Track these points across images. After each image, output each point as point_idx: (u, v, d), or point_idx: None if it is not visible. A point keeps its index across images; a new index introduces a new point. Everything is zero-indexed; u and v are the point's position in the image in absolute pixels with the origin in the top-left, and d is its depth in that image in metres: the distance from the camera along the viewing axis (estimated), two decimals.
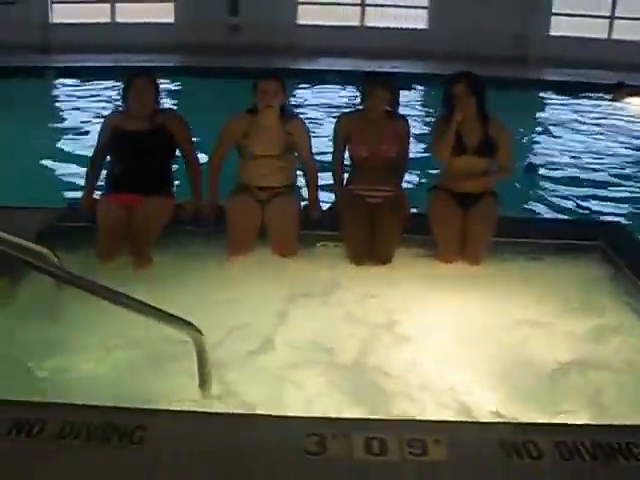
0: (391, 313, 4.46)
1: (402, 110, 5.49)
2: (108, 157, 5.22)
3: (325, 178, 5.54)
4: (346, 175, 5.51)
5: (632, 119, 11.92)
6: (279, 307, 4.46)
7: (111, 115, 5.47)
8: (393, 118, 5.34)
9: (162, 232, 4.98)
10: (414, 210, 5.42)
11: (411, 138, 5.51)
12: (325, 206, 5.46)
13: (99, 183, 5.30)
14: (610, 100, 12.96)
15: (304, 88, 12.71)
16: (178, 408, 3.23)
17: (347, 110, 5.61)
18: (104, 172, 5.25)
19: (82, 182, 5.32)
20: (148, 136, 5.05)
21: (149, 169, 5.09)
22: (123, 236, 4.91)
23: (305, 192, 5.48)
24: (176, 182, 5.36)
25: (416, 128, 8.75)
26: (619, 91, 13.04)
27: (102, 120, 5.40)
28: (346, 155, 5.47)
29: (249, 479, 2.72)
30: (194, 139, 5.33)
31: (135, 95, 5.07)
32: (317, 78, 13.13)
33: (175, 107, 11.54)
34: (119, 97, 5.45)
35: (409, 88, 12.94)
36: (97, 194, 5.23)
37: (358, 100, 5.44)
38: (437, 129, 5.26)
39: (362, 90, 5.34)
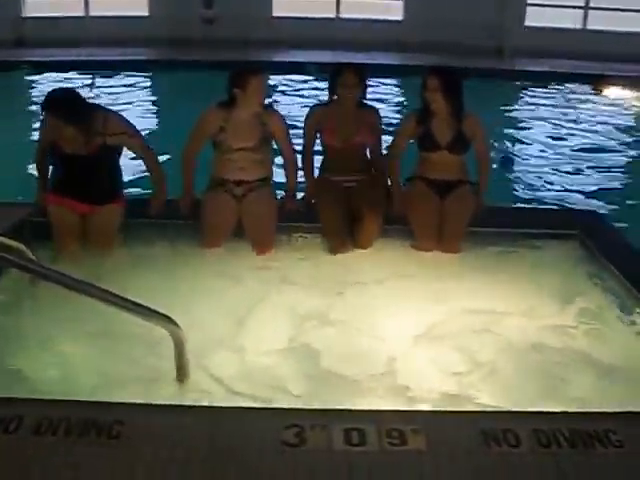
0: (368, 303, 4.48)
1: (378, 102, 5.51)
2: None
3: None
4: (317, 164, 5.53)
5: (609, 109, 11.97)
6: (257, 299, 4.46)
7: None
8: (364, 109, 5.37)
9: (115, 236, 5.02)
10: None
11: (382, 127, 5.55)
12: (299, 196, 5.46)
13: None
14: (591, 91, 13.01)
15: (280, 80, 12.68)
16: (156, 402, 3.21)
17: (318, 103, 5.57)
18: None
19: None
20: (89, 159, 4.88)
21: (96, 180, 4.97)
22: (79, 235, 4.95)
23: (280, 185, 5.47)
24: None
25: (391, 119, 8.76)
26: (600, 82, 13.10)
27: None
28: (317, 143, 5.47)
29: (228, 472, 2.71)
30: (141, 135, 5.23)
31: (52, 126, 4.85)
32: (293, 70, 13.09)
33: (150, 100, 11.57)
34: (91, 91, 5.23)
35: (385, 79, 12.95)
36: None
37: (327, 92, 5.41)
38: (404, 127, 5.36)
39: (331, 80, 5.31)
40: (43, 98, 4.87)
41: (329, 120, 5.30)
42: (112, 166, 5.07)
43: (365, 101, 5.42)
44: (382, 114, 5.58)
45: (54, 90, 4.96)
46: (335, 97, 5.31)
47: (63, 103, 4.81)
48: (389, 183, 5.38)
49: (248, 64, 5.33)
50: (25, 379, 3.54)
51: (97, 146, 4.85)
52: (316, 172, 5.52)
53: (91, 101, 5.24)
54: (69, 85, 10.48)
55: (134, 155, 5.31)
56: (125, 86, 12.16)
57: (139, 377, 3.60)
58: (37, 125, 9.01)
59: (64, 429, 2.85)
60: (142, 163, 5.25)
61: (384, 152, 5.50)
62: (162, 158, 5.42)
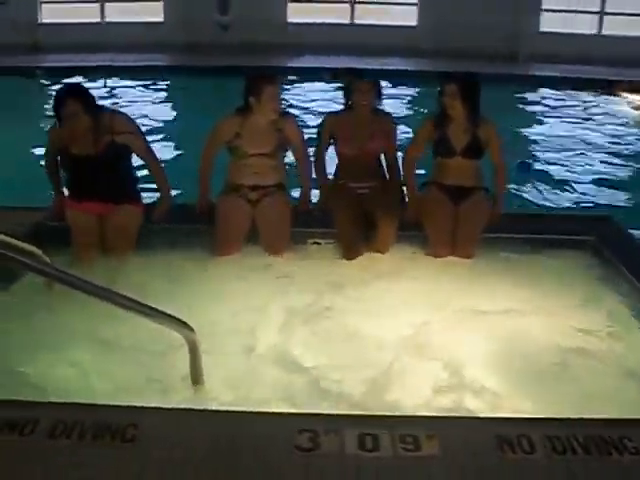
0: (383, 309, 4.47)
1: (393, 107, 5.51)
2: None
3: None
4: (331, 170, 5.54)
5: (625, 114, 11.92)
6: (271, 304, 4.46)
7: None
8: (378, 115, 5.39)
9: (135, 239, 5.03)
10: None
11: (397, 133, 5.57)
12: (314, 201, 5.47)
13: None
14: (607, 96, 12.96)
15: (295, 86, 12.70)
16: (170, 406, 3.23)
17: (333, 110, 5.56)
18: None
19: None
20: (99, 159, 4.89)
21: (110, 180, 4.99)
22: (98, 241, 4.96)
23: (295, 191, 5.49)
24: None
25: (405, 126, 8.76)
26: (615, 87, 13.06)
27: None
28: (331, 150, 5.48)
29: (241, 477, 2.71)
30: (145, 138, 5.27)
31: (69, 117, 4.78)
32: (308, 75, 13.12)
33: (166, 106, 11.61)
34: (109, 97, 5.22)
35: (399, 85, 12.95)
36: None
37: (342, 99, 5.44)
38: (421, 132, 5.34)
39: (346, 87, 5.34)
40: (55, 95, 4.88)
41: (344, 128, 5.30)
42: (123, 166, 5.08)
43: (380, 107, 5.42)
44: (397, 120, 5.58)
45: (67, 84, 5.00)
46: (350, 104, 5.31)
47: (81, 90, 4.91)
48: (404, 189, 5.38)
49: (263, 72, 5.31)
50: (40, 382, 3.55)
51: (106, 145, 4.87)
52: (329, 178, 5.51)
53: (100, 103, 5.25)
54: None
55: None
56: (140, 91, 12.22)
57: (154, 381, 3.61)
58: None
59: (78, 432, 2.86)
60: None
61: (399, 158, 5.49)
62: (178, 163, 5.42)
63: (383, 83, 5.41)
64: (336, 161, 5.52)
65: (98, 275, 4.36)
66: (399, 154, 5.53)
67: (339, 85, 5.38)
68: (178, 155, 8.12)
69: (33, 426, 2.88)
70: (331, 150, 5.51)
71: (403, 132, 8.22)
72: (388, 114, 5.55)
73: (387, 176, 5.47)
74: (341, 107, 5.48)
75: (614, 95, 12.97)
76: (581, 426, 3.03)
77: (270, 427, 2.98)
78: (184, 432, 2.93)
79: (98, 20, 15.48)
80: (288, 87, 12.30)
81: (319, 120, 5.54)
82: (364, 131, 5.26)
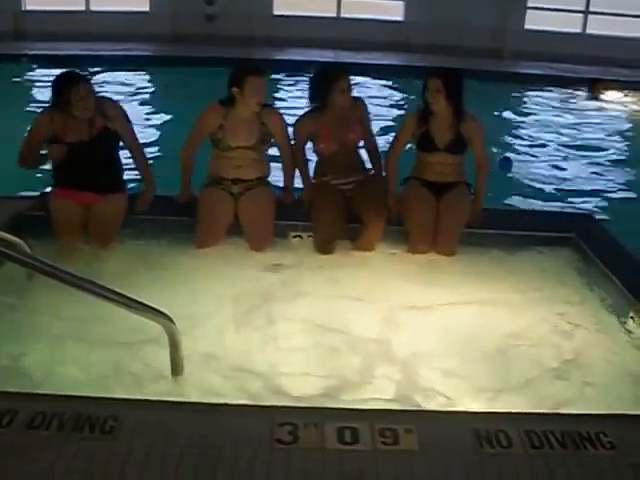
0: (363, 302, 4.50)
1: (378, 103, 5.50)
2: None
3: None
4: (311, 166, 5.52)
5: (606, 113, 12.00)
6: (252, 296, 4.48)
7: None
8: (351, 104, 5.31)
9: (119, 230, 5.01)
10: None
11: (370, 117, 5.53)
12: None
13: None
14: (589, 95, 13.04)
15: (281, 79, 12.68)
16: (150, 397, 3.23)
17: (307, 111, 5.41)
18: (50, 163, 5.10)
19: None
20: (93, 145, 4.90)
21: (99, 169, 4.99)
22: (81, 231, 4.92)
23: (277, 183, 5.48)
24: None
25: (390, 121, 8.78)
26: (597, 86, 13.13)
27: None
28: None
29: (221, 469, 2.71)
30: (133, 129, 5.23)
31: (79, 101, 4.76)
32: (294, 69, 13.09)
33: (150, 96, 11.56)
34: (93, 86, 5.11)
35: (385, 80, 12.96)
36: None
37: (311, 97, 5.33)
38: (405, 128, 5.32)
39: (324, 85, 5.17)
40: (62, 80, 4.83)
41: (323, 127, 5.22)
42: (113, 154, 5.08)
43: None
44: (382, 114, 5.57)
45: (67, 71, 4.96)
46: (324, 104, 5.20)
47: (83, 76, 4.93)
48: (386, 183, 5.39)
49: (248, 64, 5.23)
50: (18, 373, 3.55)
51: (99, 130, 4.88)
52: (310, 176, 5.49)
53: None
54: None
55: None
56: (124, 81, 12.16)
57: (133, 372, 3.61)
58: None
59: (57, 424, 2.86)
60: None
61: (377, 143, 5.52)
62: (161, 154, 5.41)
63: (368, 78, 5.38)
64: (315, 159, 5.48)
65: (80, 265, 4.37)
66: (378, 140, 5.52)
67: (315, 83, 5.22)
68: (161, 146, 8.09)
69: (11, 417, 2.88)
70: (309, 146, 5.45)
71: (387, 127, 8.26)
72: (359, 99, 5.44)
73: (370, 168, 5.46)
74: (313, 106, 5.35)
75: (597, 94, 13.04)
76: (558, 421, 3.07)
77: (250, 420, 2.99)
78: (164, 424, 2.93)
79: (83, 8, 15.36)
80: (273, 80, 12.29)
81: (302, 112, 5.47)
82: (342, 124, 5.22)
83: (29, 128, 5.02)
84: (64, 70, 4.92)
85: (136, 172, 5.30)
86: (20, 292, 4.28)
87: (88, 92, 4.80)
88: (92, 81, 5.03)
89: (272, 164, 5.41)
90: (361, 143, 5.45)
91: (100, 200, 4.93)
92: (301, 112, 5.42)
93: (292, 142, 5.32)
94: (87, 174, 4.93)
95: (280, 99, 10.90)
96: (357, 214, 5.13)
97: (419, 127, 5.18)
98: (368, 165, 5.50)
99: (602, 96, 12.98)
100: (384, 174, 5.39)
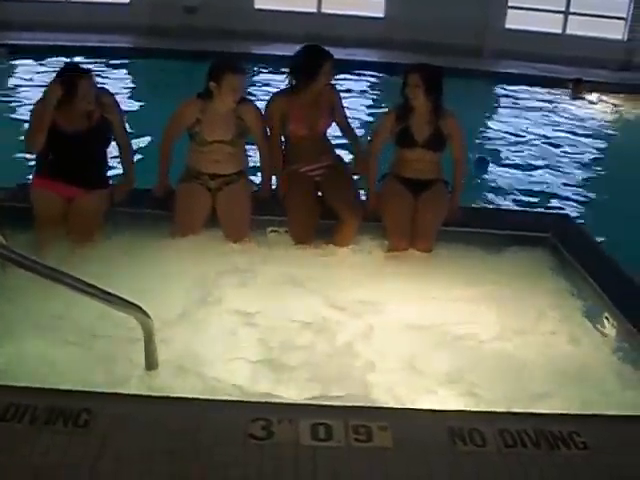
0: (338, 297, 4.51)
1: (357, 98, 5.49)
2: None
3: None
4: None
5: (584, 114, 12.08)
6: (228, 288, 4.48)
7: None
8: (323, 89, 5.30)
9: (101, 223, 4.99)
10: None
11: (343, 102, 5.51)
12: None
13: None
14: (570, 95, 13.12)
15: (261, 73, 12.65)
16: (124, 391, 3.21)
17: (279, 91, 5.43)
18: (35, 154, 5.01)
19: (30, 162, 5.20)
20: (89, 135, 4.87)
21: (89, 162, 4.97)
22: (62, 223, 4.88)
23: (254, 177, 5.47)
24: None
25: (369, 117, 8.79)
26: (578, 87, 13.22)
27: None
28: None
29: (194, 463, 2.70)
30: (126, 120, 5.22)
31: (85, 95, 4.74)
32: (274, 63, 13.06)
33: (128, 88, 11.49)
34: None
35: (365, 76, 12.97)
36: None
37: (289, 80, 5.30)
38: (383, 124, 5.32)
39: (310, 66, 5.16)
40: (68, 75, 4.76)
41: (295, 108, 5.20)
42: (105, 147, 5.06)
43: None
44: (361, 111, 5.56)
45: (67, 64, 5.02)
46: (302, 86, 5.18)
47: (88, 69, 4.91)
48: (356, 177, 5.44)
49: (229, 60, 5.18)
50: None
51: (97, 119, 4.87)
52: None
53: None
54: (46, 69, 10.48)
55: None
56: (103, 73, 12.07)
57: (107, 366, 3.59)
58: (13, 108, 8.95)
59: (30, 417, 2.84)
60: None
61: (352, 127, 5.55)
62: (138, 146, 5.38)
63: (347, 75, 5.37)
64: (283, 147, 5.43)
65: (57, 257, 4.33)
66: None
67: (300, 62, 5.17)
68: (138, 138, 8.05)
69: None
70: None
71: (366, 123, 8.27)
72: (331, 85, 5.42)
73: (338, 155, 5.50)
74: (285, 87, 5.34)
75: (575, 94, 13.13)
76: (532, 420, 3.08)
77: (224, 415, 2.99)
78: (138, 418, 2.92)
79: None
80: (253, 74, 12.28)
81: None
82: (313, 109, 5.21)
83: (34, 108, 4.89)
84: (69, 62, 4.88)
85: (117, 166, 5.25)
86: None
87: (91, 86, 4.79)
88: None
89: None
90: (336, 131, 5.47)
91: (83, 195, 4.89)
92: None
93: (268, 132, 5.27)
94: (76, 168, 4.88)
95: (259, 94, 10.86)
96: (331, 208, 5.14)
97: (398, 123, 5.17)
98: (337, 151, 5.55)
99: (583, 96, 13.06)
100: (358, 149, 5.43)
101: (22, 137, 5.05)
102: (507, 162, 8.91)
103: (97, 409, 2.91)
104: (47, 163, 4.93)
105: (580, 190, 8.08)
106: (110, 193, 5.07)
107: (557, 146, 9.88)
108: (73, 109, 4.78)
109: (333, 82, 5.46)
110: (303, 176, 5.28)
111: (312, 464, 2.72)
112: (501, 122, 11.21)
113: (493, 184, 7.92)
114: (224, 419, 2.94)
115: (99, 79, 11.12)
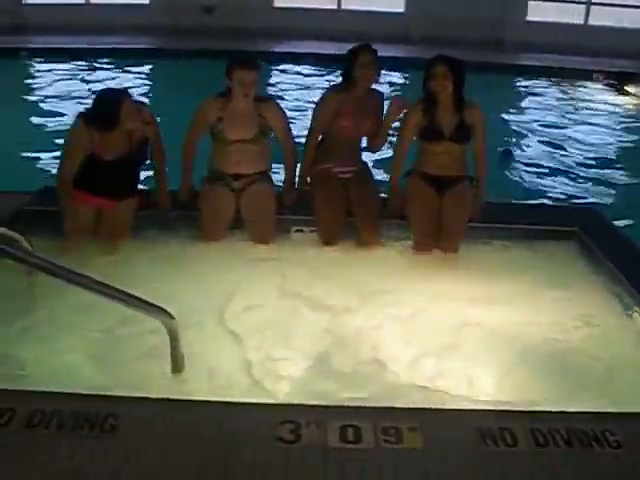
0: (366, 298, 4.47)
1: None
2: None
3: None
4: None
5: (609, 105, 11.95)
6: (256, 292, 4.45)
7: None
8: (372, 93, 5.29)
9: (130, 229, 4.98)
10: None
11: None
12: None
13: None
14: (592, 85, 12.98)
15: (281, 71, 12.65)
16: (150, 395, 3.19)
17: (332, 87, 5.41)
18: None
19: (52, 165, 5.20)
20: (129, 157, 4.84)
21: (126, 179, 4.95)
22: (91, 231, 4.88)
23: (279, 176, 5.44)
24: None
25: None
26: (600, 77, 13.05)
27: None
28: None
29: (223, 467, 2.69)
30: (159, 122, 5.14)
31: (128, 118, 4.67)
32: (294, 61, 13.07)
33: (149, 89, 11.52)
34: (93, 80, 5.01)
35: (386, 72, 12.90)
36: None
37: (340, 77, 5.30)
38: (409, 122, 5.18)
39: (348, 63, 5.16)
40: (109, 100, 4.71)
41: (347, 104, 5.16)
42: (142, 163, 5.03)
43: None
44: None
45: (108, 88, 4.88)
46: (350, 80, 5.16)
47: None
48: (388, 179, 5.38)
49: (238, 55, 5.16)
50: (16, 371, 3.52)
51: (137, 139, 4.83)
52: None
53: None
54: (69, 75, 10.50)
55: None
56: (124, 74, 12.12)
57: (134, 370, 3.58)
58: (35, 111, 8.96)
59: (57, 422, 2.83)
60: None
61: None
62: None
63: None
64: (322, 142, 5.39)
65: (82, 262, 4.32)
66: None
67: (327, 71, 5.19)
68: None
69: (10, 416, 2.85)
70: None
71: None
72: (379, 91, 5.41)
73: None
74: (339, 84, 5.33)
75: (599, 85, 12.99)
76: (563, 419, 3.04)
77: (252, 418, 2.97)
78: (164, 422, 2.90)
79: (82, 1, 15.31)
80: (274, 73, 12.27)
81: (305, 106, 5.44)
82: (362, 108, 5.18)
83: (65, 142, 4.90)
84: (107, 88, 4.77)
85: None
86: (19, 289, 4.23)
87: (133, 109, 4.71)
88: (93, 75, 4.94)
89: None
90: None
91: (114, 205, 4.88)
92: (301, 105, 5.37)
93: (292, 133, 5.27)
94: (111, 183, 4.85)
95: (279, 92, 10.85)
96: (355, 208, 5.14)
97: (424, 117, 5.10)
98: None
99: (605, 88, 12.90)
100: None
101: (40, 141, 4.99)
102: (531, 155, 8.81)
103: (123, 414, 2.90)
104: (84, 179, 4.84)
105: (607, 183, 7.98)
106: (139, 199, 5.04)
107: (581, 138, 9.76)
108: (113, 136, 4.71)
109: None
110: (334, 177, 5.27)
111: (342, 467, 2.70)
112: (523, 114, 11.11)
113: (518, 177, 7.85)
114: (252, 422, 2.93)
115: (119, 81, 11.28)
